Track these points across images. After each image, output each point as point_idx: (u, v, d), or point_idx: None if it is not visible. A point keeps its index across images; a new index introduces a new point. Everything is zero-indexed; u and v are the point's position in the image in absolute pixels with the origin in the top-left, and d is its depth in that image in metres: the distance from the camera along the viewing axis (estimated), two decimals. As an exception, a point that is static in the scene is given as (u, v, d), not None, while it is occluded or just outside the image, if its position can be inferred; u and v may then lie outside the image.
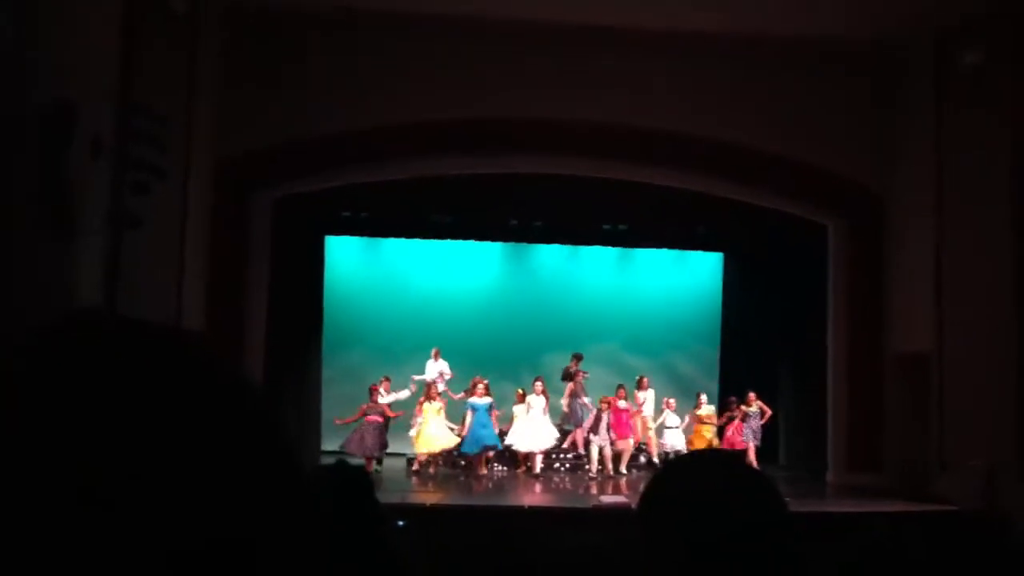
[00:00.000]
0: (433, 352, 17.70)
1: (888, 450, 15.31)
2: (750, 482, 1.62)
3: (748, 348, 19.05)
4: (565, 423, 17.60)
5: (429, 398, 15.90)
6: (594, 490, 14.84)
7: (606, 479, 15.86)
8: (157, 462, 0.67)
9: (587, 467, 16.53)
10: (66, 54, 9.55)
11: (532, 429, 16.04)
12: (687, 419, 17.11)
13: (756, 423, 16.62)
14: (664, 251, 20.12)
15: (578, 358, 17.96)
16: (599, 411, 16.18)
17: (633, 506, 1.72)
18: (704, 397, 17.25)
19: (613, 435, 16.24)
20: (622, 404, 16.52)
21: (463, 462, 16.28)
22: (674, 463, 1.80)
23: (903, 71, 15.25)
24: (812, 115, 15.51)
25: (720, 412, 17.17)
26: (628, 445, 16.45)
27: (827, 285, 16.41)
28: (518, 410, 16.34)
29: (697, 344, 20.06)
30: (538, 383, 16.60)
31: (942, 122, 14.24)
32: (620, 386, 17.00)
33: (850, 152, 15.69)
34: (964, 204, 13.74)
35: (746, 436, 16.47)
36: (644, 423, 17.05)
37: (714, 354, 20.04)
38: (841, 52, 15.32)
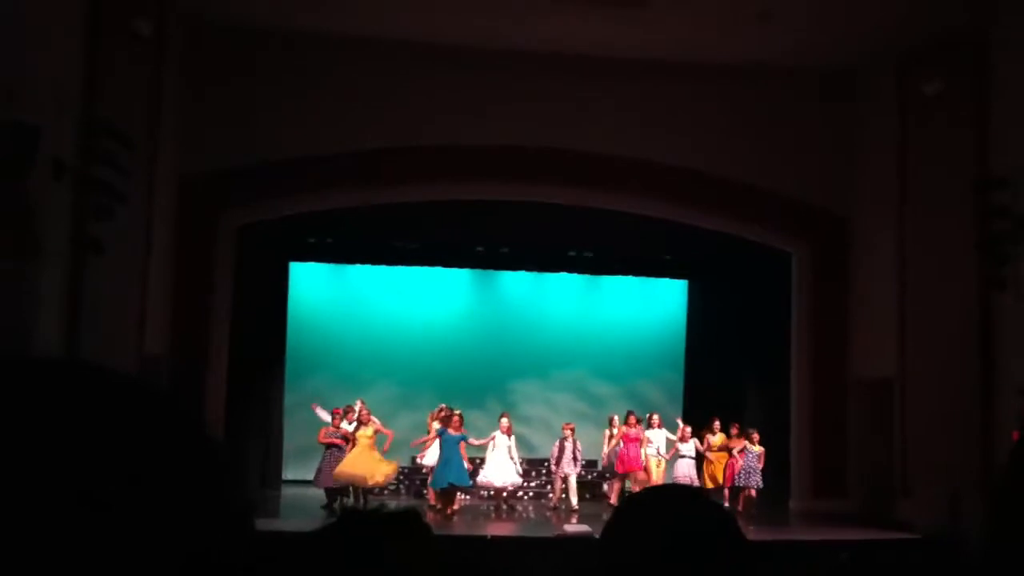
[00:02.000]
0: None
1: (852, 476, 15.39)
2: (711, 517, 1.65)
3: (712, 375, 19.11)
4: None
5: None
6: (556, 520, 14.71)
7: (570, 511, 15.38)
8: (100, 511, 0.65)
9: (549, 497, 16.42)
10: (28, 76, 9.48)
11: (500, 464, 15.53)
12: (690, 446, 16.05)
13: (755, 463, 15.62)
14: (630, 278, 20.19)
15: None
16: (562, 440, 15.86)
17: (596, 536, 1.72)
18: (717, 424, 16.26)
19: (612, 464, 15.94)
20: (633, 432, 15.86)
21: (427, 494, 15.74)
22: (637, 496, 1.82)
23: (866, 98, 15.45)
24: (776, 143, 15.67)
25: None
26: (635, 477, 15.81)
27: (791, 311, 16.52)
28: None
29: (662, 370, 20.09)
30: (504, 419, 15.81)
31: (905, 149, 14.43)
32: (630, 413, 16.37)
33: (813, 179, 15.85)
34: (927, 230, 13.90)
35: (744, 477, 15.58)
36: (657, 462, 16.08)
37: (679, 380, 20.09)
38: (804, 80, 15.51)
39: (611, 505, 16.08)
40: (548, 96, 15.35)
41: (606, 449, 16.41)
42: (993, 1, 12.59)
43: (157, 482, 0.67)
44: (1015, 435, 11.41)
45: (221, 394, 15.09)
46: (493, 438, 15.61)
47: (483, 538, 12.75)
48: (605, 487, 17.19)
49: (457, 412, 15.14)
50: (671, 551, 1.54)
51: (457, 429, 14.80)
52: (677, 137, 15.56)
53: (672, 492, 1.76)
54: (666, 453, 15.98)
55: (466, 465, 14.84)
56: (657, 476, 15.90)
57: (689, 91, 15.58)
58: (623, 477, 15.93)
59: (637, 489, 15.34)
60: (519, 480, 15.96)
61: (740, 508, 15.16)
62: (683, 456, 15.86)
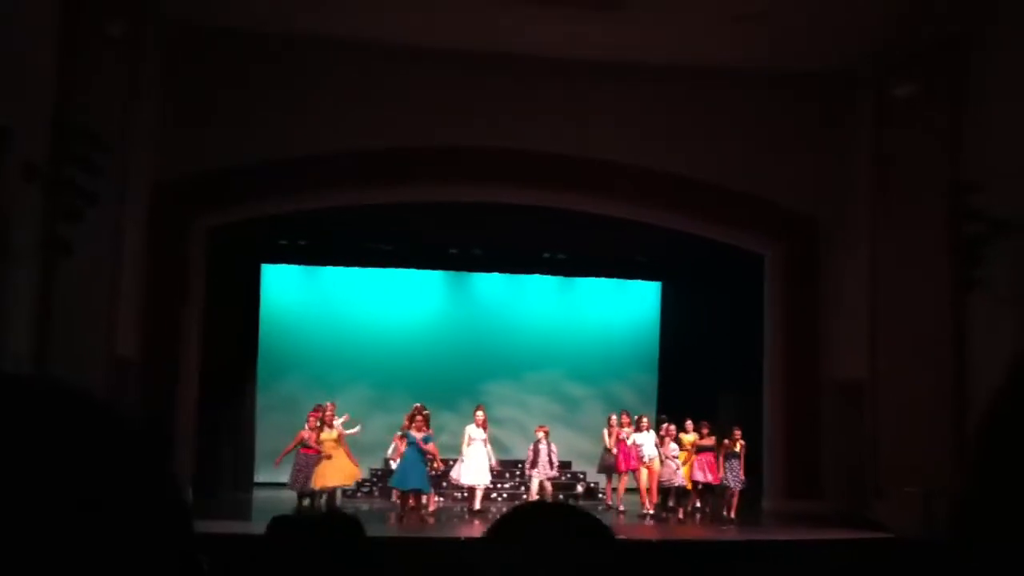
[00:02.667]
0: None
1: (825, 476, 15.47)
2: (587, 531, 1.68)
3: (686, 375, 19.18)
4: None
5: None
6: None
7: None
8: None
9: (524, 499, 16.35)
10: (-1, 77, 9.37)
11: (473, 463, 15.19)
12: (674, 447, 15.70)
13: (737, 464, 15.24)
14: (603, 280, 20.24)
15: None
16: (536, 443, 15.69)
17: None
18: (690, 423, 15.94)
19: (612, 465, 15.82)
20: (625, 433, 15.75)
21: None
22: (518, 510, 1.84)
23: (840, 102, 15.53)
24: (750, 146, 15.73)
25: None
26: (638, 479, 15.69)
27: (764, 313, 16.59)
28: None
29: (636, 372, 20.15)
30: (479, 412, 15.43)
31: (879, 152, 14.52)
32: (624, 412, 16.31)
33: (787, 182, 15.92)
34: (899, 232, 14.00)
35: (729, 478, 15.22)
36: (650, 468, 15.67)
37: (653, 381, 20.15)
38: (779, 83, 15.58)
39: (608, 506, 16.04)
40: (523, 98, 15.34)
41: (610, 446, 16.24)
42: (968, 7, 12.69)
43: (102, 509, 0.67)
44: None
45: (193, 396, 15.00)
46: (471, 440, 15.36)
47: (456, 540, 12.72)
48: (603, 487, 17.04)
49: (420, 411, 14.82)
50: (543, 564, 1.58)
51: (420, 428, 14.53)
52: (652, 140, 15.60)
53: (546, 509, 1.79)
54: (656, 454, 15.66)
55: (427, 468, 14.57)
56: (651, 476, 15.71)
57: (664, 94, 15.62)
58: (622, 476, 15.81)
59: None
60: (489, 480, 15.73)
61: (731, 511, 14.97)
62: (668, 457, 15.58)
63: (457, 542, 12.37)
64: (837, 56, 14.74)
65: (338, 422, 14.70)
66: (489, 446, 15.32)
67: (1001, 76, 12.13)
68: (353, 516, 1.95)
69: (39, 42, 10.30)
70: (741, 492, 15.27)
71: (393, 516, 14.58)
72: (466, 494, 15.82)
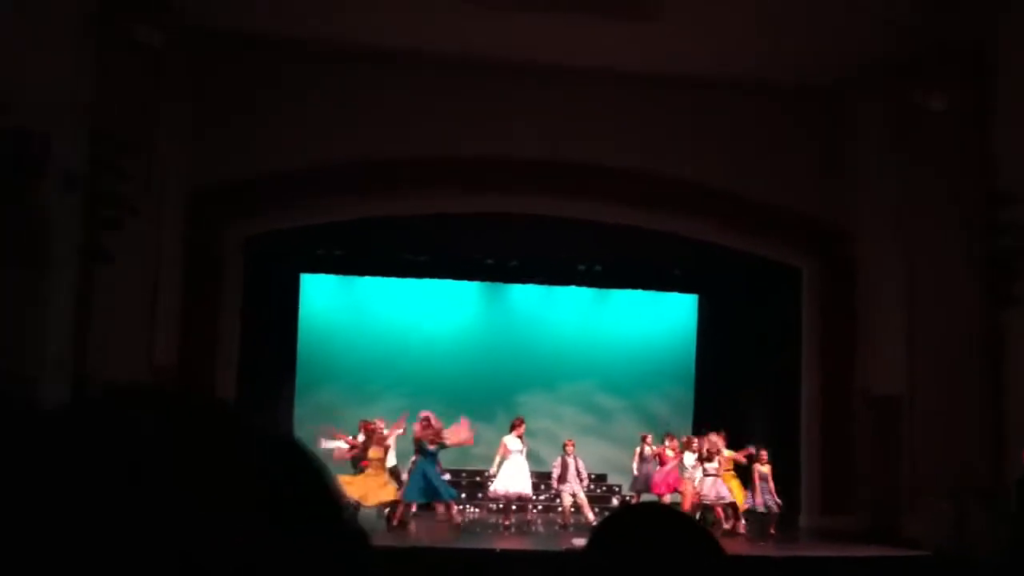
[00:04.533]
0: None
1: (860, 493, 15.30)
2: (692, 537, 1.66)
3: (722, 390, 19.06)
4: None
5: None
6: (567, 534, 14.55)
7: (580, 528, 14.55)
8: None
9: (559, 511, 16.08)
10: (37, 86, 9.54)
11: (518, 473, 15.03)
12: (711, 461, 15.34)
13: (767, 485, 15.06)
14: (639, 292, 20.16)
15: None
16: (564, 457, 15.51)
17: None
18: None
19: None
20: (670, 454, 15.65)
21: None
22: (618, 515, 1.82)
23: (875, 112, 15.38)
24: (787, 157, 15.65)
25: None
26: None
27: (800, 327, 16.46)
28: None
29: (671, 385, 20.04)
30: (521, 425, 15.37)
31: (913, 163, 14.37)
32: (667, 434, 16.21)
33: (823, 195, 15.81)
34: (934, 245, 13.85)
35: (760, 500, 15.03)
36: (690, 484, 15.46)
37: (689, 395, 20.03)
38: (815, 94, 15.50)
39: None
40: (558, 108, 15.36)
41: (637, 468, 16.15)
42: (995, 13, 12.56)
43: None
44: (1024, 455, 11.34)
45: (230, 405, 15.05)
46: (508, 452, 15.29)
47: (491, 551, 12.73)
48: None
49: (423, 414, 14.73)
50: (649, 570, 1.55)
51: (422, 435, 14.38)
52: (688, 151, 15.55)
53: (649, 511, 1.77)
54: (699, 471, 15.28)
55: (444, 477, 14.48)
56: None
57: (699, 105, 15.57)
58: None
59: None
60: (530, 491, 15.54)
61: (771, 529, 14.86)
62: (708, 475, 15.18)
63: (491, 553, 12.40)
64: (870, 69, 14.61)
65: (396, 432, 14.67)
66: (525, 459, 15.26)
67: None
68: (361, 529, 1.96)
69: (76, 51, 10.46)
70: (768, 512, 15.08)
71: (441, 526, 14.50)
72: (500, 506, 15.70)
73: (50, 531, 0.63)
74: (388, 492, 14.48)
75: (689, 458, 15.59)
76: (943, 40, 13.16)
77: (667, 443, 16.06)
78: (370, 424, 14.98)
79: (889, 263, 14.80)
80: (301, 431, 17.64)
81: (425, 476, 14.28)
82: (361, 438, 15.00)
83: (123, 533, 0.63)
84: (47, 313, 10.13)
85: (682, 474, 15.58)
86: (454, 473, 15.46)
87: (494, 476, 15.49)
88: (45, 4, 10.01)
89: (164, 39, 11.96)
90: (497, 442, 15.78)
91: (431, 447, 14.41)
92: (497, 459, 15.35)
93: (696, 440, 15.86)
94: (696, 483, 15.20)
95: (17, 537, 0.62)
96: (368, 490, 14.12)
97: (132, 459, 0.66)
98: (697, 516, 14.98)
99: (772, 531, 14.87)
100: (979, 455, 12.26)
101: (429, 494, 14.42)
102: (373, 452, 14.42)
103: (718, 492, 14.99)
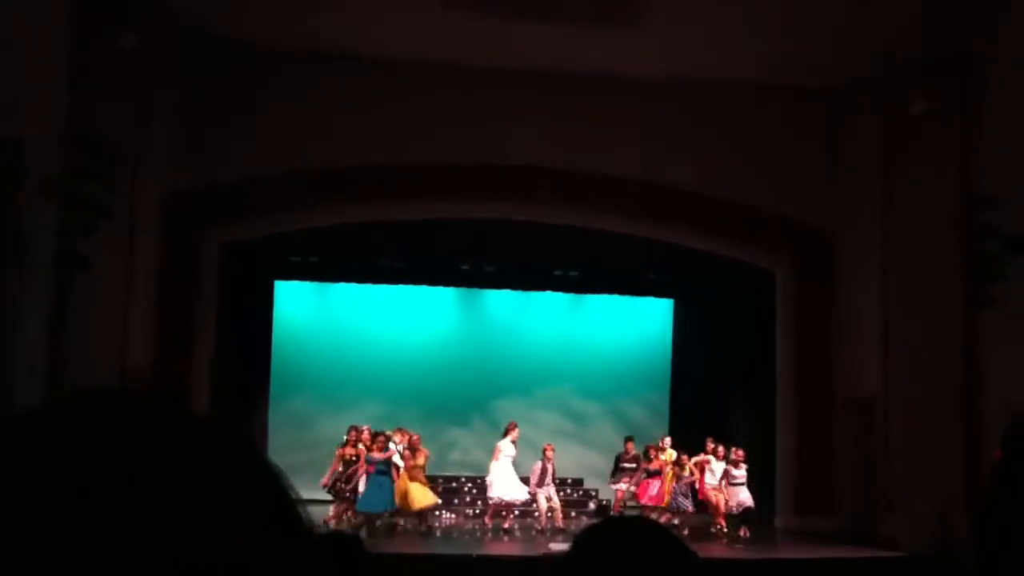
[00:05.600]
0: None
1: (837, 493, 15.39)
2: (667, 549, 1.69)
3: (698, 393, 19.13)
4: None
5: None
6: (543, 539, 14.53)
7: (556, 532, 14.82)
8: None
9: (536, 516, 16.06)
10: (13, 91, 9.45)
11: (511, 478, 15.08)
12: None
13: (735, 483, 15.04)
14: (615, 297, 20.21)
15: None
16: (543, 462, 15.51)
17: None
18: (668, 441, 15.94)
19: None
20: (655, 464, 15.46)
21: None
22: (595, 527, 1.85)
23: (853, 115, 15.51)
24: (761, 161, 15.72)
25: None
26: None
27: (776, 330, 16.55)
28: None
29: (647, 389, 20.09)
30: (515, 429, 15.48)
31: (889, 168, 14.49)
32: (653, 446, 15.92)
33: (798, 198, 15.90)
34: (911, 248, 13.95)
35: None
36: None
37: (664, 400, 20.10)
38: (790, 98, 15.60)
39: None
40: (533, 115, 15.37)
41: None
42: (980, 21, 12.70)
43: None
44: (997, 453, 11.42)
45: (204, 411, 14.92)
46: (500, 455, 15.26)
47: (468, 556, 12.70)
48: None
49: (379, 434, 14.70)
50: None
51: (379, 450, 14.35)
52: (661, 156, 15.60)
53: (627, 524, 1.79)
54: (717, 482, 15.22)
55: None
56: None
57: (673, 109, 15.63)
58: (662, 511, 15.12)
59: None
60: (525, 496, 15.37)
61: (744, 531, 14.86)
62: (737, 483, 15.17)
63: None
64: (848, 71, 14.74)
65: (398, 446, 14.56)
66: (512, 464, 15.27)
67: (1013, 91, 12.12)
68: (356, 536, 1.95)
69: (52, 56, 10.38)
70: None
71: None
72: (479, 511, 15.74)
73: (52, 533, 0.62)
74: (430, 497, 14.66)
75: (717, 467, 15.34)
76: (929, 47, 13.28)
77: (656, 454, 15.85)
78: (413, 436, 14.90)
79: (867, 265, 14.91)
80: (276, 438, 17.60)
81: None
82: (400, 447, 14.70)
83: (126, 533, 0.63)
84: (23, 317, 10.03)
85: (712, 483, 15.36)
86: (430, 479, 15.38)
87: (489, 482, 15.39)
88: (21, 11, 9.92)
89: (144, 46, 11.89)
90: (473, 448, 15.80)
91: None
92: (492, 464, 15.28)
93: (718, 447, 15.62)
94: (723, 492, 15.11)
95: (16, 537, 0.62)
96: (416, 495, 14.30)
97: (131, 460, 0.66)
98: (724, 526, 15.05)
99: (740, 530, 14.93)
100: (956, 456, 12.35)
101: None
102: (418, 460, 14.53)
103: (740, 500, 15.05)
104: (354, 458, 14.34)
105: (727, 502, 15.03)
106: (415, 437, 14.82)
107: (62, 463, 0.65)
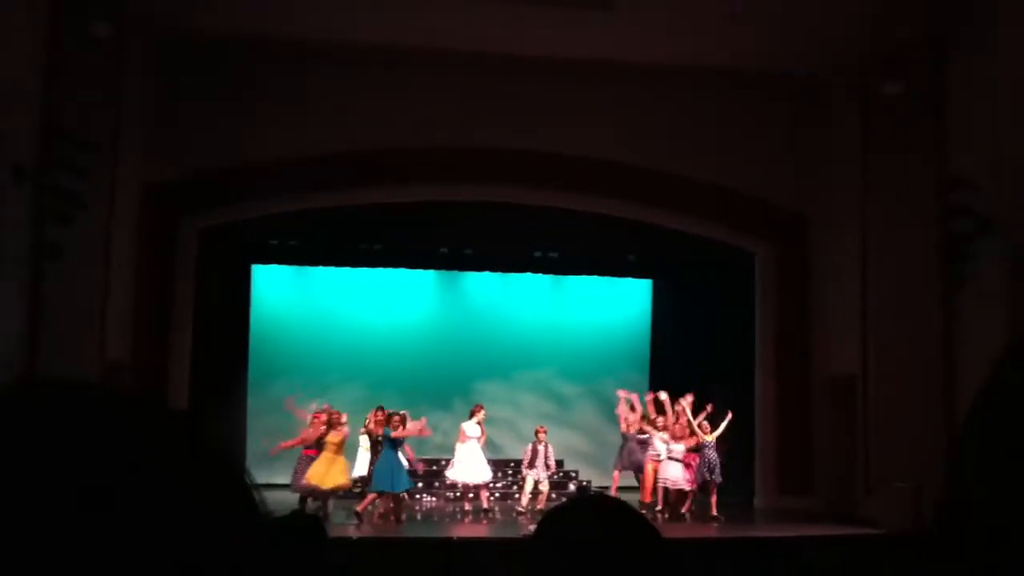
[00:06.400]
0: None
1: (817, 473, 15.51)
2: (631, 529, 1.69)
3: (677, 373, 19.16)
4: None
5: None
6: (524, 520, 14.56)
7: (537, 514, 14.49)
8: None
9: (517, 498, 16.07)
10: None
11: (474, 460, 14.96)
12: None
13: (713, 454, 14.83)
14: (595, 278, 20.24)
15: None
16: (535, 444, 15.52)
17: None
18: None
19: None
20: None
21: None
22: (562, 506, 1.85)
23: (829, 99, 15.56)
24: (741, 143, 15.76)
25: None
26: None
27: (755, 311, 16.62)
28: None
29: (627, 370, 20.11)
30: (480, 411, 15.30)
31: (867, 150, 14.56)
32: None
33: (777, 179, 15.96)
34: (890, 229, 14.04)
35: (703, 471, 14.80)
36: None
37: (644, 380, 20.14)
38: (768, 83, 15.60)
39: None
40: (511, 98, 15.35)
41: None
42: (953, 6, 12.73)
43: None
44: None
45: (183, 398, 14.95)
46: (466, 437, 15.21)
47: (448, 540, 12.74)
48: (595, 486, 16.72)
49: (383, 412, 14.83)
50: (592, 564, 1.58)
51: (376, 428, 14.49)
52: (642, 138, 15.61)
53: (592, 504, 1.78)
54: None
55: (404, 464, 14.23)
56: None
57: (653, 93, 15.63)
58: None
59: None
60: (487, 478, 15.42)
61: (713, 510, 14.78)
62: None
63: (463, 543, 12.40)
64: (822, 56, 14.73)
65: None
66: (483, 446, 15.22)
67: (985, 74, 12.17)
68: (316, 516, 1.94)
69: (25, 45, 10.27)
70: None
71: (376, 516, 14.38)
72: (459, 494, 15.78)
73: (53, 533, 0.62)
74: (344, 477, 14.37)
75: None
76: (904, 31, 13.30)
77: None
78: (334, 412, 14.79)
79: (845, 246, 14.99)
80: (255, 423, 17.56)
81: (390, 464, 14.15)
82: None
83: (127, 533, 0.63)
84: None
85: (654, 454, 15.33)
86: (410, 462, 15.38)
87: (451, 463, 15.43)
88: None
89: (120, 34, 11.79)
90: (455, 431, 15.75)
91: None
92: (457, 445, 15.30)
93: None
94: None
95: (16, 538, 0.61)
96: (327, 473, 14.01)
97: (130, 458, 0.66)
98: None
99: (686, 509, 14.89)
100: (934, 435, 12.44)
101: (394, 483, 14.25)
102: (331, 436, 14.32)
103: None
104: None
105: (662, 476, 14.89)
106: (336, 414, 14.54)
107: (55, 465, 0.64)
